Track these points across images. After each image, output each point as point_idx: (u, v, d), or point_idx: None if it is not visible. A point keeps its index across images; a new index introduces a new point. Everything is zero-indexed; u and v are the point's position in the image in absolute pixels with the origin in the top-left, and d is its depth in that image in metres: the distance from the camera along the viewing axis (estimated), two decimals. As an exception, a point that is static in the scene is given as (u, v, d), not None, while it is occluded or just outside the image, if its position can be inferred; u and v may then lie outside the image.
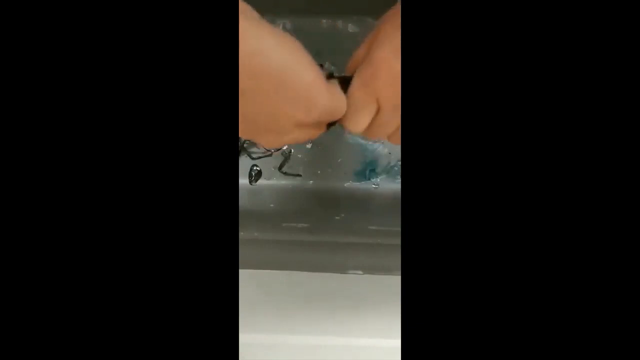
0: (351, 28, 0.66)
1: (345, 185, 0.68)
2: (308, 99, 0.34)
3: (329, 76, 0.37)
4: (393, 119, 0.38)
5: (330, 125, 0.39)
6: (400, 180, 0.66)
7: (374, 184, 0.68)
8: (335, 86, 0.37)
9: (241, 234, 0.53)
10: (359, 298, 0.46)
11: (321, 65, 0.36)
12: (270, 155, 0.67)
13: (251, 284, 0.46)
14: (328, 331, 0.42)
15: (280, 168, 0.67)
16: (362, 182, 0.68)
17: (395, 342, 0.41)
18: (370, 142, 0.66)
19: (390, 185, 0.68)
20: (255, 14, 0.33)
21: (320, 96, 0.35)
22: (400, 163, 0.66)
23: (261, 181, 0.68)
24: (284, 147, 0.67)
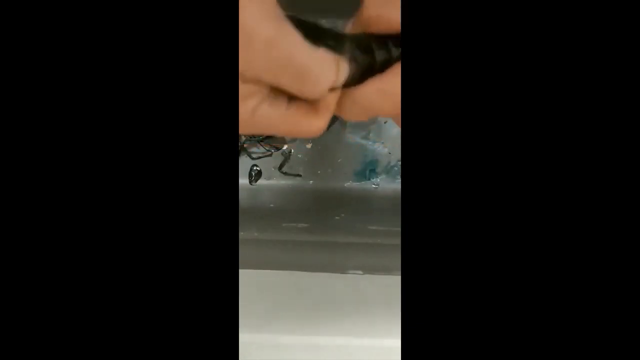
0: (351, 28, 0.66)
1: (345, 185, 0.68)
2: None
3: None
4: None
5: (330, 124, 0.38)
6: (400, 180, 0.66)
7: (374, 184, 0.68)
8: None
9: (241, 234, 0.53)
10: (359, 298, 0.46)
11: None
12: (270, 155, 0.67)
13: (251, 284, 0.46)
14: (328, 331, 0.42)
15: (280, 168, 0.67)
16: (362, 182, 0.68)
17: (395, 342, 0.41)
18: (370, 142, 0.67)
19: (390, 185, 0.68)
20: None
21: None
22: (400, 163, 0.66)
23: (261, 181, 0.68)
24: (284, 147, 0.67)
